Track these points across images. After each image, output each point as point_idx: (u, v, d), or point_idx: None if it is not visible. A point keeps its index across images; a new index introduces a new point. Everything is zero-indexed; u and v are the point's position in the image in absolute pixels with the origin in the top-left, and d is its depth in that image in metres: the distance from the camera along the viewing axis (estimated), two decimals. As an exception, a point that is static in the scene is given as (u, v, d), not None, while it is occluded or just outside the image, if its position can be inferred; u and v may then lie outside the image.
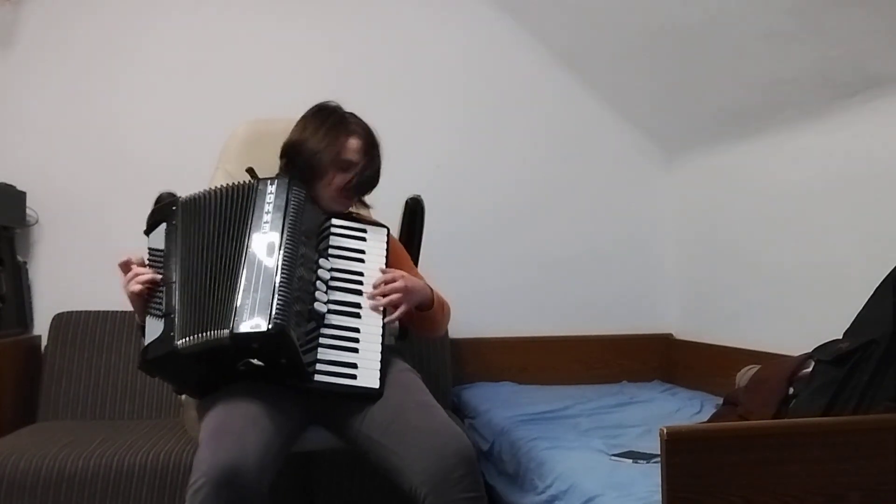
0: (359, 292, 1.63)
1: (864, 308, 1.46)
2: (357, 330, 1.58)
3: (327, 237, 1.67)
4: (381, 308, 1.62)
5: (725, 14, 2.11)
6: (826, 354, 1.43)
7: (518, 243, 2.91)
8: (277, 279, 1.45)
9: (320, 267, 1.60)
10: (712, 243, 2.71)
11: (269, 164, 1.77)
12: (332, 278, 1.62)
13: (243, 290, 1.44)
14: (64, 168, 2.65)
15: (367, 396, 1.52)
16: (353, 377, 1.52)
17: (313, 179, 1.69)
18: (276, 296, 1.43)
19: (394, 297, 1.62)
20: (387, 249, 1.72)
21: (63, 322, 2.48)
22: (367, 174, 1.72)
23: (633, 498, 1.45)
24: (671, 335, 2.95)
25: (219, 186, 1.61)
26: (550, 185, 2.94)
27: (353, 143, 1.71)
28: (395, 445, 1.45)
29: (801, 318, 2.17)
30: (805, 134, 2.19)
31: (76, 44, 2.69)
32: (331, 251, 1.65)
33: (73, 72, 2.69)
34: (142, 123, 2.70)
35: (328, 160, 1.69)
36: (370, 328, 1.60)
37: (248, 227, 1.53)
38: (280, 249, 1.49)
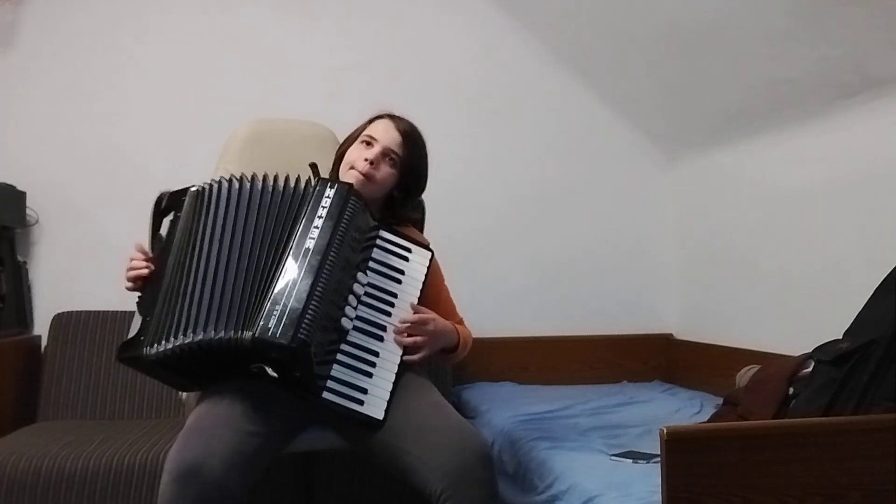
0: (388, 313, 1.58)
1: (864, 308, 1.46)
2: (377, 354, 1.53)
3: (371, 248, 1.61)
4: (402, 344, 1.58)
5: (725, 14, 2.11)
6: (826, 354, 1.42)
7: (518, 243, 2.92)
8: (313, 291, 1.39)
9: (356, 281, 1.54)
10: (712, 243, 2.71)
11: (269, 164, 1.75)
12: (366, 293, 1.57)
13: (275, 295, 1.39)
14: (64, 168, 2.65)
15: (366, 424, 1.48)
16: (361, 402, 1.47)
17: (340, 159, 1.72)
18: (308, 309, 1.37)
19: (419, 339, 1.58)
20: (426, 275, 1.66)
21: (63, 322, 2.49)
22: (412, 164, 1.73)
23: (633, 498, 1.45)
24: (671, 335, 2.95)
25: (275, 176, 1.54)
26: (551, 186, 2.95)
27: (381, 122, 1.73)
28: (410, 445, 1.43)
29: (801, 318, 2.17)
30: (805, 134, 2.19)
31: (76, 44, 2.70)
32: (371, 264, 1.60)
33: (72, 72, 2.69)
34: (142, 123, 2.71)
35: (353, 137, 1.73)
36: (389, 354, 1.55)
37: (297, 229, 1.47)
38: (323, 260, 1.42)
